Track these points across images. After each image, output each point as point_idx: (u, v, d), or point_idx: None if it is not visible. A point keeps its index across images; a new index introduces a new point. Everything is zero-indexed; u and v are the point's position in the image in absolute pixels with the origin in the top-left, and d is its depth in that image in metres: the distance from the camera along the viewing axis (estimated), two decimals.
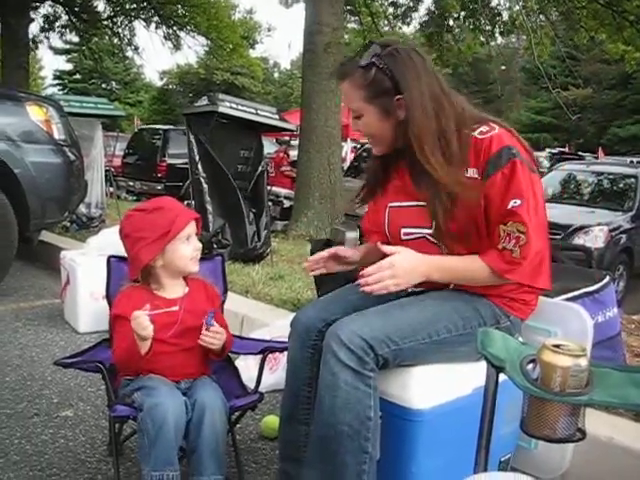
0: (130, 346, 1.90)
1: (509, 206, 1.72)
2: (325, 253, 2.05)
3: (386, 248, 1.78)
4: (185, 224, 2.02)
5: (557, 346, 1.26)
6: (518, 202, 1.72)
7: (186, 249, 2.04)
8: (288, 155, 13.14)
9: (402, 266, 1.75)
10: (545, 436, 1.27)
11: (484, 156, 1.76)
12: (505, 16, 11.75)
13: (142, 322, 1.85)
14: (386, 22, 14.12)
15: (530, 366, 1.29)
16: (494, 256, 1.77)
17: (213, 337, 1.99)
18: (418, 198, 1.86)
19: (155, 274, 2.06)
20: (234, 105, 5.36)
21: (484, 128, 1.79)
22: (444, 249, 1.85)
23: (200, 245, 2.10)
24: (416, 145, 1.77)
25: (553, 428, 1.25)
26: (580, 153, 18.70)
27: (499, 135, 1.77)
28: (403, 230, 1.92)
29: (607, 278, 2.44)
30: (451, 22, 12.73)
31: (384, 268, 1.73)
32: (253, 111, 5.51)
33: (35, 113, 4.50)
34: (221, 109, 5.20)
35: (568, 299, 2.29)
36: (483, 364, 1.86)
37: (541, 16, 11.06)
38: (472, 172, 1.78)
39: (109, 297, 2.22)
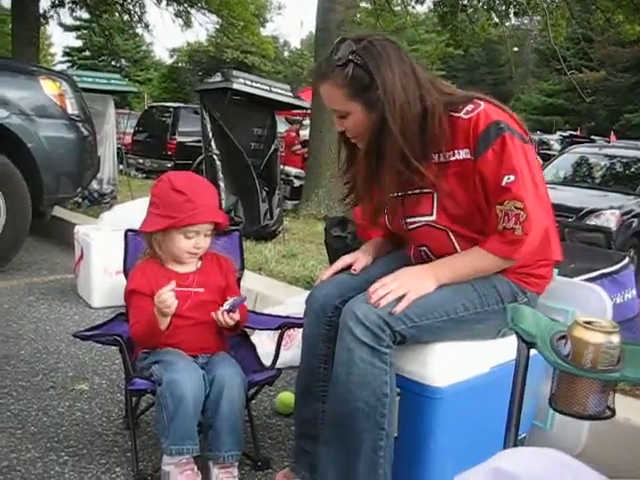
0: (150, 321, 1.91)
1: (503, 183, 1.69)
2: (340, 265, 2.03)
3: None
4: (197, 222, 1.99)
5: (589, 322, 1.25)
6: (512, 178, 1.68)
7: (186, 243, 2.01)
8: (299, 134, 13.08)
9: (406, 274, 1.77)
10: (575, 412, 1.27)
11: (473, 135, 1.73)
12: None
13: (167, 299, 1.85)
14: (399, 1, 13.99)
15: (561, 342, 1.28)
16: (494, 241, 1.74)
17: (228, 319, 2.00)
18: (415, 186, 1.83)
19: (154, 246, 2.05)
20: (248, 82, 5.34)
21: (469, 107, 1.76)
22: (450, 234, 1.84)
23: (205, 245, 2.05)
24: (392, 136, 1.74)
25: (583, 405, 1.24)
26: (592, 137, 18.57)
27: (485, 111, 1.74)
28: (407, 220, 1.90)
29: (626, 259, 2.43)
30: (465, 1, 12.57)
31: (388, 281, 1.74)
32: (267, 88, 5.49)
33: (49, 87, 4.49)
34: (235, 86, 5.18)
35: (587, 279, 2.27)
36: (501, 342, 1.87)
37: None
38: (464, 153, 1.75)
39: (126, 271, 2.22)
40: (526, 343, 1.37)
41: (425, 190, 1.82)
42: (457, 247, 1.84)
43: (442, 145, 1.77)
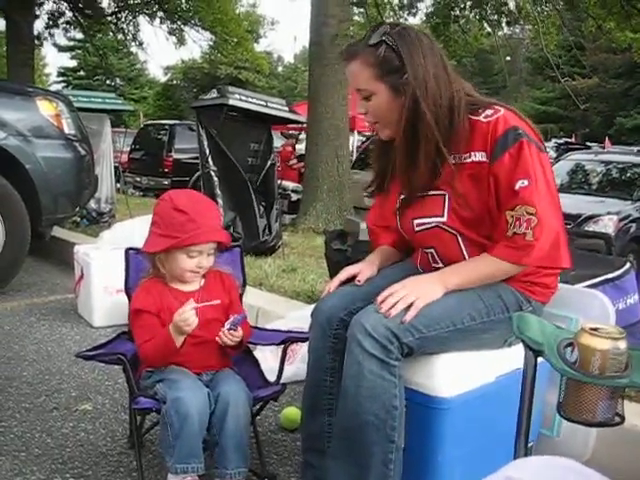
0: (165, 339, 1.91)
1: (517, 187, 1.70)
2: (344, 275, 2.02)
3: None
4: (200, 242, 1.97)
5: (595, 329, 1.25)
6: (526, 183, 1.70)
7: (188, 262, 1.99)
8: (294, 149, 13.13)
9: (414, 281, 1.78)
10: (584, 420, 1.26)
11: (491, 139, 1.75)
12: (511, 5, 11.68)
13: (189, 317, 1.86)
14: (392, 13, 14.07)
15: (567, 349, 1.28)
16: (502, 247, 1.75)
17: (231, 338, 1.99)
18: (433, 187, 1.85)
19: (158, 265, 2.05)
20: (244, 97, 5.35)
21: (489, 111, 1.78)
22: (459, 237, 1.84)
23: (207, 264, 2.03)
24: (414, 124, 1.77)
25: (592, 412, 1.24)
26: (587, 143, 18.61)
27: (504, 117, 1.76)
28: (415, 221, 1.91)
29: (628, 265, 2.43)
30: (457, 12, 12.66)
31: (397, 288, 1.75)
32: (263, 103, 5.50)
33: (45, 108, 4.50)
34: (231, 102, 5.20)
35: (589, 286, 2.27)
36: (507, 351, 1.87)
37: (548, 5, 10.98)
38: (480, 156, 1.77)
39: (128, 290, 2.21)
40: (533, 351, 1.36)
41: (437, 192, 1.84)
42: (464, 251, 1.85)
43: (460, 146, 1.79)
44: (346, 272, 2.03)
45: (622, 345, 1.23)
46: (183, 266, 1.99)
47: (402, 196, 1.95)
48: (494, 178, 1.75)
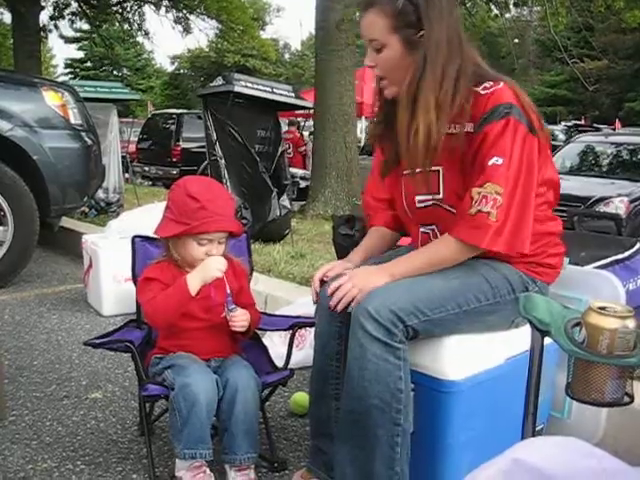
0: (181, 287, 1.91)
1: (489, 163, 1.66)
2: (318, 275, 1.99)
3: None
4: (209, 231, 1.96)
5: (603, 308, 1.23)
6: (500, 161, 1.66)
7: (198, 250, 1.98)
8: (303, 136, 13.14)
9: (358, 273, 1.79)
10: (593, 400, 1.25)
11: (481, 110, 1.71)
12: None
13: (221, 266, 1.92)
14: None
15: (575, 329, 1.26)
16: (462, 227, 1.71)
17: (241, 320, 1.99)
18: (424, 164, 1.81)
19: (171, 249, 2.04)
20: (250, 84, 5.33)
21: (488, 84, 1.74)
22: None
23: (218, 253, 2.01)
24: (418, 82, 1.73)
25: (601, 391, 1.23)
26: (596, 125, 18.46)
27: (501, 90, 1.72)
28: (417, 198, 1.88)
29: (638, 245, 2.40)
30: None
31: (343, 280, 1.76)
32: (269, 90, 5.48)
33: (51, 98, 4.49)
34: (237, 88, 5.17)
35: (598, 267, 2.25)
36: (515, 334, 1.86)
37: None
38: (469, 127, 1.74)
39: (135, 278, 2.21)
40: (540, 331, 1.35)
41: (433, 168, 1.80)
42: None
43: (459, 116, 1.74)
44: (321, 271, 2.00)
45: (631, 324, 1.22)
46: (193, 253, 1.99)
47: (405, 171, 1.91)
48: (472, 149, 1.72)
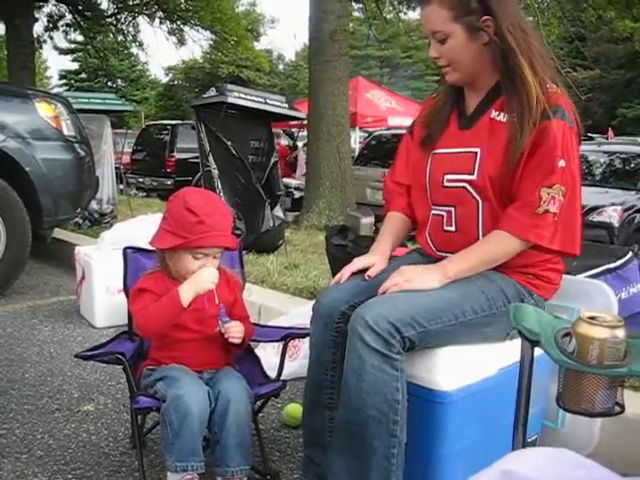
0: (172, 298, 1.90)
1: (558, 164, 1.70)
2: (357, 266, 1.98)
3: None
4: (206, 246, 1.95)
5: (593, 318, 1.23)
6: (564, 163, 1.71)
7: (193, 264, 1.97)
8: (294, 147, 13.21)
9: (411, 269, 1.79)
10: (584, 410, 1.24)
11: (546, 104, 1.73)
12: None
13: (214, 279, 1.90)
14: (391, 8, 14.02)
15: (565, 339, 1.26)
16: (524, 226, 1.73)
17: (237, 331, 1.98)
18: (466, 144, 1.85)
19: (166, 260, 2.03)
20: (243, 95, 5.34)
21: (554, 85, 1.79)
22: (480, 204, 1.82)
23: (213, 267, 1.99)
24: (511, 63, 1.76)
25: (592, 402, 1.22)
26: (589, 134, 18.52)
27: (564, 95, 1.78)
28: (446, 177, 1.89)
29: (630, 254, 2.41)
30: None
31: (394, 277, 1.77)
32: (262, 100, 5.48)
33: (44, 110, 4.49)
34: (230, 99, 5.18)
35: (591, 276, 2.25)
36: (509, 344, 1.85)
37: None
38: (525, 117, 1.75)
39: (127, 289, 2.20)
40: (530, 341, 1.35)
41: (469, 149, 1.83)
42: (480, 220, 1.84)
43: (508, 104, 1.78)
44: (360, 262, 1.98)
45: (620, 333, 1.21)
46: (188, 266, 1.97)
47: (436, 151, 1.94)
48: (533, 143, 1.73)
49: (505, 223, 1.77)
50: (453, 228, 1.90)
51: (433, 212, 1.96)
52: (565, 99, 1.78)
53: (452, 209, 1.89)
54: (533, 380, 1.62)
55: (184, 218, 1.94)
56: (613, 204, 7.10)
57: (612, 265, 2.34)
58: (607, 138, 15.74)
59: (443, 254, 1.92)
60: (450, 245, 1.90)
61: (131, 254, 2.27)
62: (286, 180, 9.66)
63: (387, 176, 2.20)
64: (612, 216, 6.97)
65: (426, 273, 1.78)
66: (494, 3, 1.75)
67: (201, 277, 1.92)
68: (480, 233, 1.85)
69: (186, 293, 1.90)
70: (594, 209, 6.96)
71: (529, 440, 2.04)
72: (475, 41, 1.79)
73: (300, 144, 13.50)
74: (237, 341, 2.00)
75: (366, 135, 14.18)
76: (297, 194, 9.79)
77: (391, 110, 14.30)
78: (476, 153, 1.82)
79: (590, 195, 7.39)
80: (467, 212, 1.84)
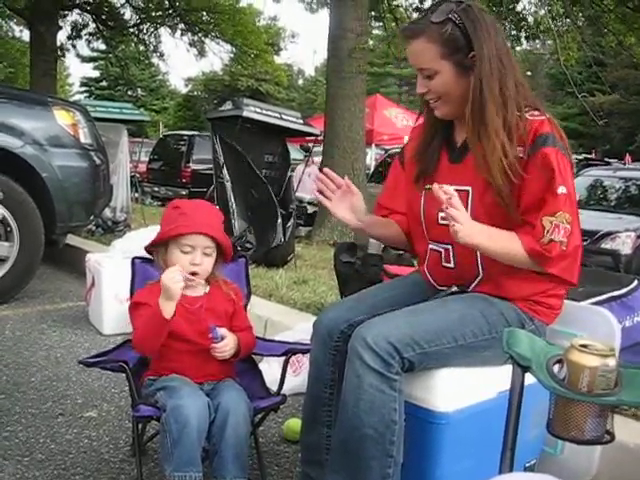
0: (154, 313, 1.89)
1: (559, 191, 1.67)
2: (340, 180, 2.02)
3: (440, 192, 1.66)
4: (181, 232, 1.97)
5: (584, 346, 1.24)
6: (564, 190, 1.68)
7: (182, 258, 1.98)
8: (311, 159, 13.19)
9: (468, 218, 1.69)
10: (572, 437, 1.25)
11: (533, 134, 1.72)
12: (530, 20, 11.61)
13: (174, 275, 1.87)
14: None
15: (557, 366, 1.27)
16: (537, 249, 1.69)
17: (222, 351, 2.00)
18: (458, 181, 1.80)
19: (162, 265, 2.04)
20: (258, 110, 5.39)
21: (536, 112, 1.76)
22: None
23: (205, 265, 2.01)
24: (479, 103, 1.74)
25: (581, 429, 1.23)
26: (607, 159, 18.46)
27: (550, 121, 1.75)
28: (441, 214, 1.83)
29: (635, 282, 2.40)
30: None
31: (463, 211, 1.66)
32: (277, 115, 5.53)
33: (62, 117, 4.55)
34: (245, 113, 5.23)
35: (595, 303, 2.25)
36: (508, 368, 1.85)
37: (567, 20, 10.92)
38: (519, 151, 1.73)
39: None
40: (521, 367, 1.36)
41: (461, 187, 1.78)
42: (479, 256, 1.81)
43: (511, 132, 1.75)
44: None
45: (611, 362, 1.22)
46: (177, 262, 1.98)
47: (428, 186, 1.86)
48: (528, 172, 1.71)
49: (525, 241, 1.73)
50: (452, 265, 1.89)
51: (431, 247, 1.95)
52: (549, 124, 1.74)
53: (449, 247, 1.87)
54: (532, 404, 1.62)
55: (170, 215, 2.05)
56: (627, 230, 7.07)
57: (617, 293, 2.33)
58: (625, 163, 15.71)
59: (444, 288, 1.93)
60: (451, 280, 1.90)
61: (139, 264, 2.30)
62: (300, 194, 9.69)
63: (380, 197, 2.20)
64: (625, 242, 6.95)
65: (476, 227, 1.69)
66: (474, 40, 1.73)
67: (164, 282, 1.88)
68: (480, 268, 1.84)
69: (163, 304, 1.89)
70: (608, 235, 6.94)
71: (527, 465, 2.04)
72: (464, 77, 1.77)
73: (317, 159, 13.52)
74: (221, 358, 2.02)
75: (382, 152, 14.22)
76: (310, 209, 9.80)
77: (408, 129, 14.31)
78: (468, 192, 1.80)
79: (604, 220, 7.38)
80: (465, 249, 1.78)
